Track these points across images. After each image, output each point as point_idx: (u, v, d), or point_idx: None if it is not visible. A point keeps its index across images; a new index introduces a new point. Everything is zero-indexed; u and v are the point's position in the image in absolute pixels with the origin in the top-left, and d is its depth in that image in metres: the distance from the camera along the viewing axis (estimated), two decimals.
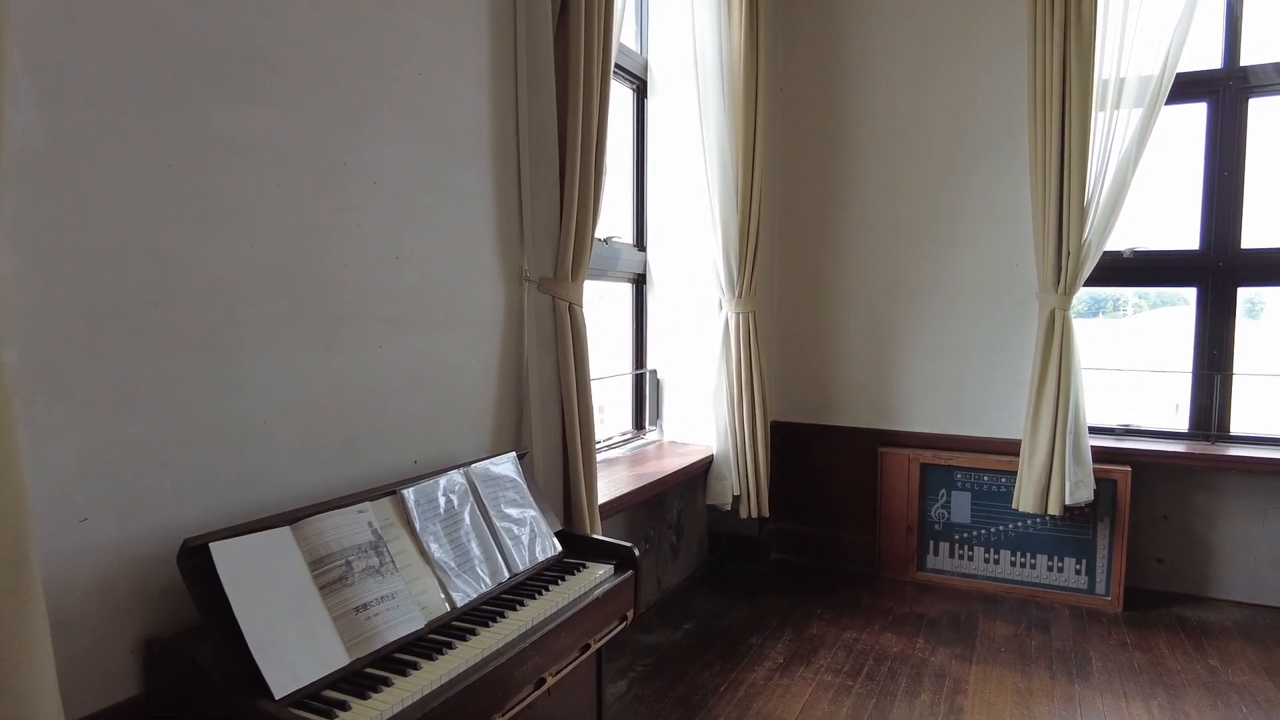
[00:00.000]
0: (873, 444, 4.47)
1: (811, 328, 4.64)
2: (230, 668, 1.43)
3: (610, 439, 3.97)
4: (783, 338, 4.72)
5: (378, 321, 2.04)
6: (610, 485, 3.32)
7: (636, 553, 2.23)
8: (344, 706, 1.46)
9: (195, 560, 1.47)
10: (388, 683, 1.55)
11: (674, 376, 4.20)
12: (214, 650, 1.44)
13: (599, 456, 3.72)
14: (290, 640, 1.51)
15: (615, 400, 4.19)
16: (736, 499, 4.00)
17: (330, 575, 1.64)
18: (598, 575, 2.14)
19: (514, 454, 2.30)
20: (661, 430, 4.24)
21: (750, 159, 3.87)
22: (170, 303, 1.56)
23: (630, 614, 2.22)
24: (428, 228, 2.20)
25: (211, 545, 1.48)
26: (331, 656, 1.56)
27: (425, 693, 1.55)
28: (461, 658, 1.66)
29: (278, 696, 1.43)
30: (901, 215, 4.37)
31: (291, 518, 1.66)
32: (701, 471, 3.95)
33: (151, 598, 1.55)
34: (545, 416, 2.55)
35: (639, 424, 4.21)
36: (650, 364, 4.21)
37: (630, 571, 2.21)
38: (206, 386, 1.64)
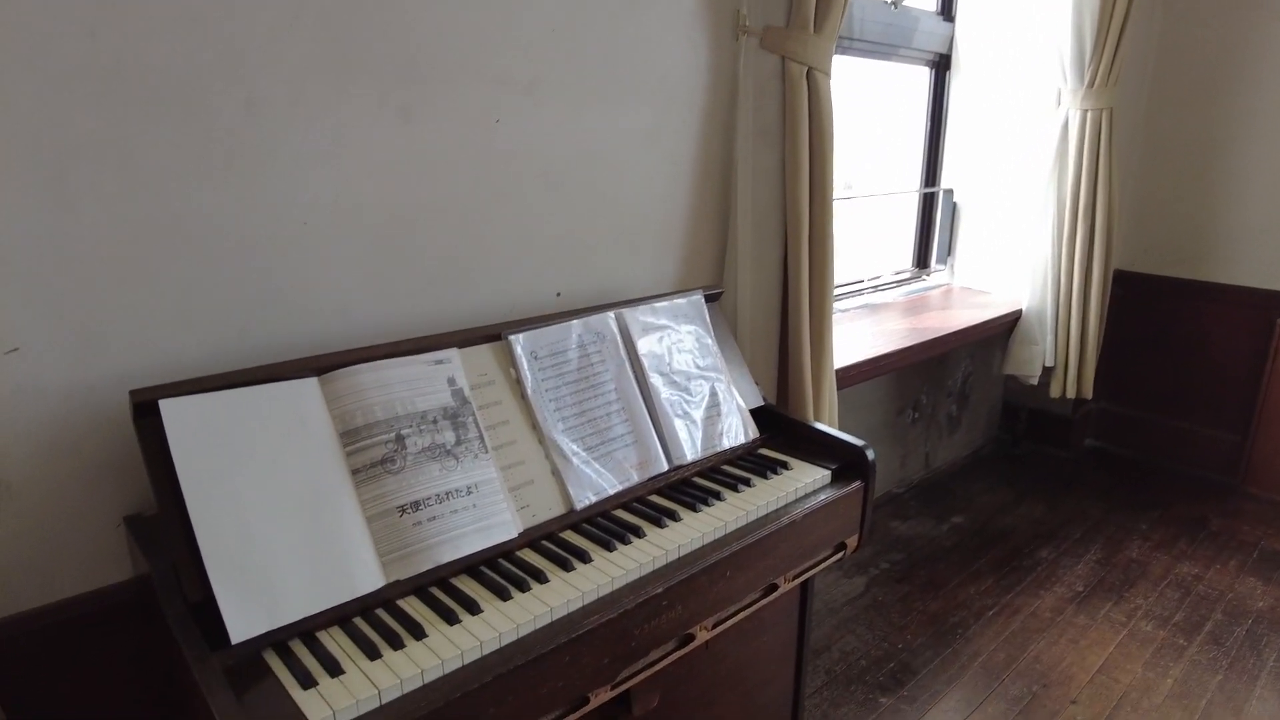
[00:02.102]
0: (1268, 313, 3.11)
1: (1195, 138, 3.22)
2: (184, 583, 0.97)
3: (879, 278, 3.09)
4: (1149, 151, 3.35)
5: (488, 84, 1.37)
6: (872, 339, 2.50)
7: (870, 456, 1.47)
8: (334, 667, 0.94)
9: (149, 423, 0.99)
10: (420, 633, 1.01)
11: (977, 199, 3.12)
12: (169, 556, 0.98)
13: (859, 301, 2.89)
14: (283, 551, 1.01)
15: (892, 228, 3.25)
16: (1048, 371, 2.97)
17: (369, 454, 1.11)
18: (804, 483, 1.42)
19: (699, 293, 1.59)
20: (952, 271, 3.24)
21: None
22: (119, 31, 1.01)
23: (854, 541, 1.50)
24: None
25: (162, 403, 0.98)
26: (355, 577, 1.05)
27: (470, 658, 0.99)
28: (551, 599, 1.08)
29: (234, 640, 0.94)
30: None
31: (323, 365, 1.13)
32: (1002, 331, 2.95)
33: (131, 462, 1.12)
34: (760, 241, 1.78)
35: (922, 260, 3.25)
36: (945, 181, 3.16)
37: (858, 483, 1.46)
38: (195, 164, 1.11)
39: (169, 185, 1.08)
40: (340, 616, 1.04)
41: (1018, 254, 2.98)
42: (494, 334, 1.30)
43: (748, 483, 1.41)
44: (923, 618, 2.43)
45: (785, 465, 1.47)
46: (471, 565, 1.15)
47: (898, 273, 3.18)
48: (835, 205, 1.84)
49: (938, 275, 3.26)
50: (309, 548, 1.03)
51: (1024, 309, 2.91)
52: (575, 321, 1.39)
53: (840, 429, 2.15)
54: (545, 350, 1.34)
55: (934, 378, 3.19)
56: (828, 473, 1.46)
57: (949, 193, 3.15)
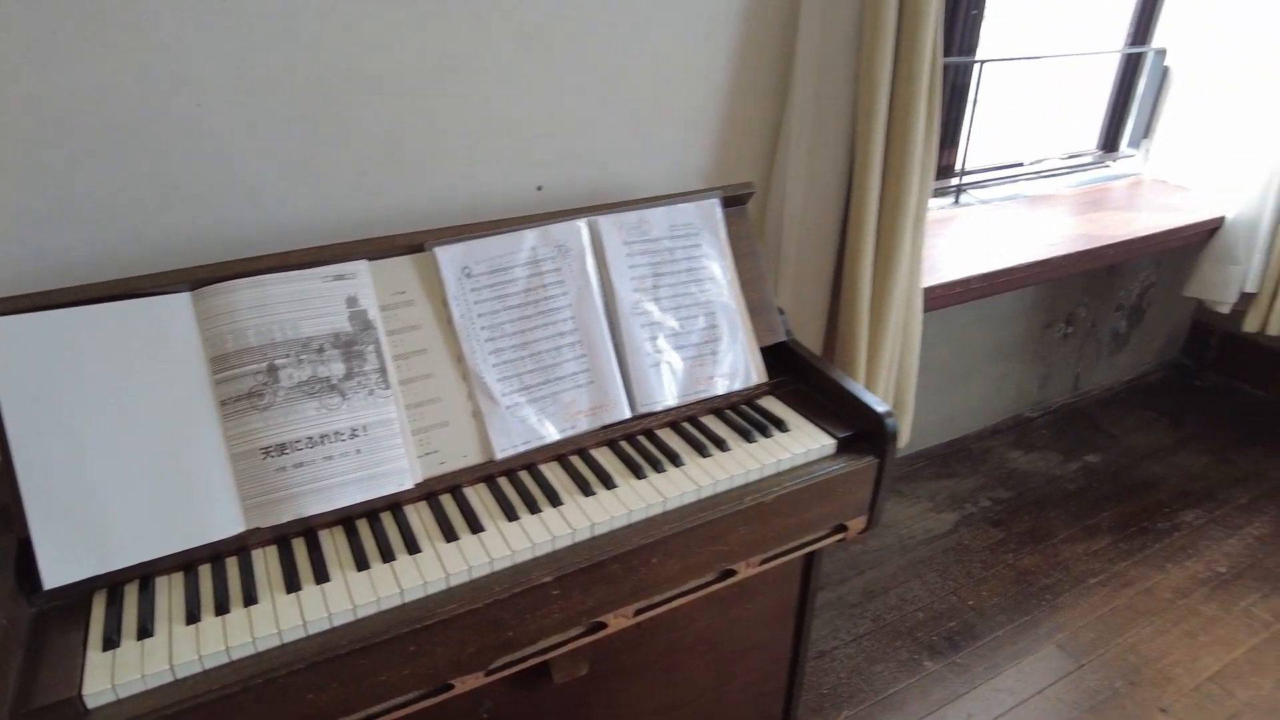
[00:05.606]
0: None
1: None
2: (14, 517, 0.90)
3: (1042, 162, 2.52)
4: None
5: None
6: (1018, 241, 2.06)
7: (890, 428, 1.16)
8: (145, 627, 0.86)
9: None
10: (252, 598, 0.90)
11: (1197, 62, 2.41)
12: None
13: (1011, 190, 2.38)
14: (127, 489, 0.91)
15: (1076, 96, 2.62)
16: (1248, 298, 2.35)
17: (237, 385, 0.97)
18: (794, 453, 1.16)
19: (716, 196, 1.28)
20: (1147, 156, 2.59)
21: None
22: None
23: (859, 523, 1.24)
24: None
25: None
26: (210, 520, 0.95)
27: (292, 637, 0.87)
28: (408, 578, 0.93)
29: (47, 586, 0.88)
30: None
31: (200, 277, 0.98)
32: (1196, 240, 2.34)
33: None
34: (822, 127, 1.40)
35: (1109, 143, 2.61)
36: (1159, 38, 2.46)
37: (871, 459, 1.17)
38: (50, 36, 0.94)
39: (25, 61, 0.93)
40: (187, 563, 0.95)
41: (1238, 142, 2.29)
42: (417, 244, 1.09)
43: (723, 445, 1.16)
44: (1009, 574, 2.12)
45: (782, 425, 1.21)
46: (352, 517, 1.02)
47: (1072, 156, 2.58)
48: (937, 79, 1.41)
49: (1129, 160, 2.62)
50: (159, 485, 0.93)
51: (1228, 217, 2.27)
52: (529, 230, 1.15)
53: (955, 346, 1.81)
54: (483, 266, 1.12)
55: (1099, 288, 2.65)
56: (832, 442, 1.18)
57: (1160, 53, 2.45)
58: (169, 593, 0.92)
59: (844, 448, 1.19)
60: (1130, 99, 2.53)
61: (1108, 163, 2.59)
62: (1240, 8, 2.26)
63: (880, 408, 1.18)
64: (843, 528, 1.22)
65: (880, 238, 1.43)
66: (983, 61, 2.10)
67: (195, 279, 0.98)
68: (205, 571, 0.95)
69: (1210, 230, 2.30)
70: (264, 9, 1.05)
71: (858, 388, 1.22)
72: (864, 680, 1.82)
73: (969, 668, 1.85)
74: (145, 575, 0.93)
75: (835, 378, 1.25)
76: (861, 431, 1.20)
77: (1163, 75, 2.46)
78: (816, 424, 1.22)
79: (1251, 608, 2.01)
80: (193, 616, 0.87)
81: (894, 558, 2.16)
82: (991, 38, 2.16)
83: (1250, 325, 2.35)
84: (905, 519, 2.28)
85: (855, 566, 2.12)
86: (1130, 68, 2.50)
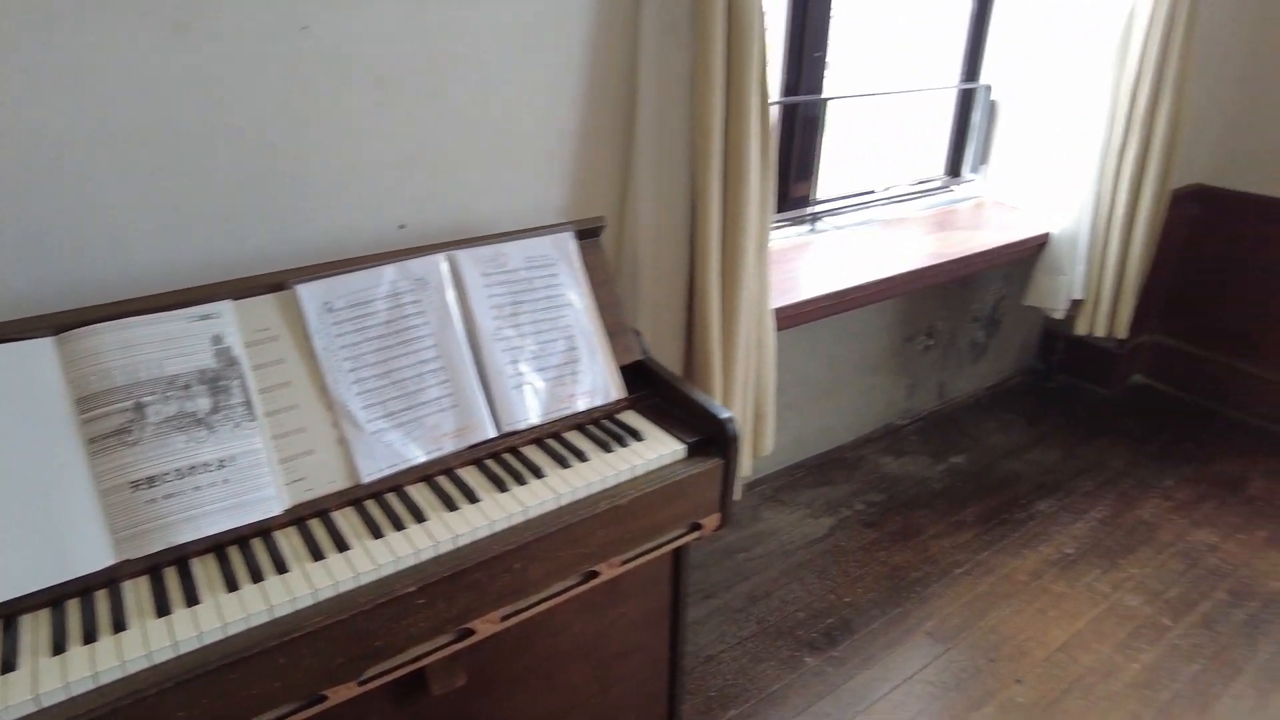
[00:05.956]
0: None
1: None
2: None
3: (891, 189, 2.74)
4: (1259, 41, 2.79)
5: None
6: (868, 261, 2.25)
7: (731, 430, 1.29)
8: (9, 662, 0.89)
9: None
10: (122, 625, 0.94)
11: (1018, 96, 2.69)
12: None
13: (864, 216, 2.58)
14: None
15: (924, 130, 2.86)
16: (1077, 305, 2.62)
17: (105, 423, 1.02)
18: (646, 460, 1.26)
19: (569, 230, 1.39)
20: (985, 179, 2.85)
21: None
22: None
23: (712, 520, 1.35)
24: None
25: None
26: (76, 555, 0.98)
27: (161, 657, 0.92)
28: (276, 596, 0.99)
29: None
30: None
31: (63, 323, 1.03)
32: (1028, 254, 2.60)
33: None
34: (665, 163, 1.54)
35: (954, 169, 2.87)
36: (985, 76, 2.73)
37: (716, 460, 1.29)
38: None
39: None
40: (56, 598, 0.98)
41: (1055, 166, 2.57)
42: (279, 282, 1.16)
43: (582, 456, 1.26)
44: (882, 570, 2.27)
45: (638, 435, 1.31)
46: (222, 544, 1.07)
47: (921, 182, 2.81)
48: (767, 115, 1.57)
49: (970, 184, 2.87)
50: (22, 524, 0.96)
51: (1052, 233, 2.53)
52: (388, 267, 1.23)
53: (824, 361, 1.94)
54: (344, 301, 1.19)
55: (955, 302, 2.88)
56: (683, 447, 1.30)
57: (987, 89, 2.73)
58: (34, 629, 0.94)
59: (694, 452, 1.31)
60: (968, 129, 2.79)
61: (953, 187, 2.84)
62: (1047, 49, 2.54)
63: (723, 414, 1.30)
64: (697, 525, 1.33)
65: (725, 263, 1.57)
66: (827, 99, 2.30)
67: (58, 324, 1.02)
68: (73, 605, 0.98)
69: (1039, 245, 2.55)
70: (121, 70, 1.11)
71: (704, 397, 1.34)
72: (749, 680, 1.92)
73: (846, 660, 1.97)
74: (9, 614, 0.95)
75: (685, 390, 1.37)
76: (709, 436, 1.31)
77: (991, 108, 2.74)
78: (669, 432, 1.33)
79: (1093, 583, 2.21)
80: (59, 647, 0.91)
81: (776, 563, 2.28)
82: (846, 77, 2.37)
83: (1081, 328, 2.61)
84: (785, 526, 2.41)
85: (740, 574, 2.23)
86: (965, 101, 2.76)
